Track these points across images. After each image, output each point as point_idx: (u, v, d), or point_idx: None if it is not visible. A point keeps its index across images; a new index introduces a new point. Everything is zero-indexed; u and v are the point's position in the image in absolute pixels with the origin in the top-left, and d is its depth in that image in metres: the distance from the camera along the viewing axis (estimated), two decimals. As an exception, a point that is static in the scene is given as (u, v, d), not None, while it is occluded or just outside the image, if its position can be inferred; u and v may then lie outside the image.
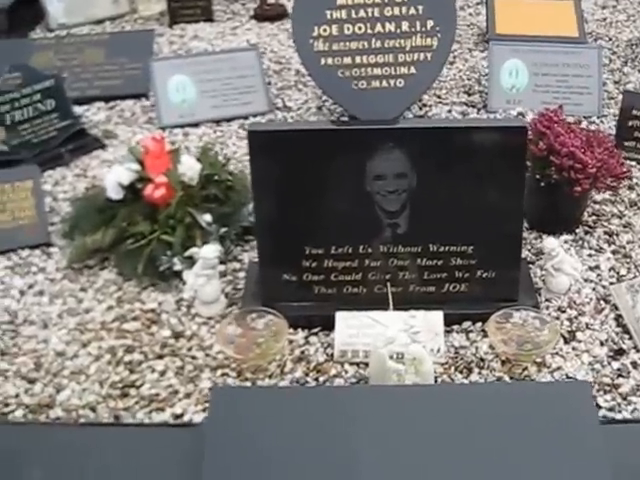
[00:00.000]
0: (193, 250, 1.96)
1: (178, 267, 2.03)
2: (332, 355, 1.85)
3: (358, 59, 2.60)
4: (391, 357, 1.66)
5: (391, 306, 1.81)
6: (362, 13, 2.57)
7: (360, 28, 2.57)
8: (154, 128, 2.75)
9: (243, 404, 1.56)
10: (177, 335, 1.94)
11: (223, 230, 2.11)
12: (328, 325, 1.88)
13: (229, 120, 2.78)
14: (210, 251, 1.91)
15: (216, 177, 2.21)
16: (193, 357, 1.88)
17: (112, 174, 2.16)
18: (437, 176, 1.81)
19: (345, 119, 2.73)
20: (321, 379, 1.80)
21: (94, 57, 3.05)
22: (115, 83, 2.96)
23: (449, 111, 2.82)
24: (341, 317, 1.85)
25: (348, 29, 2.61)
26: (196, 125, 2.75)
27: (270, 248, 1.90)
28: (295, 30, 2.63)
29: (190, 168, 2.17)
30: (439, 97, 2.91)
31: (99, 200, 2.21)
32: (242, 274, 2.09)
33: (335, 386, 1.76)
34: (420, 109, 2.82)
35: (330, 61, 2.61)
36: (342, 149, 1.79)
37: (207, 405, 1.73)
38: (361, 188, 1.80)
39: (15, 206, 2.24)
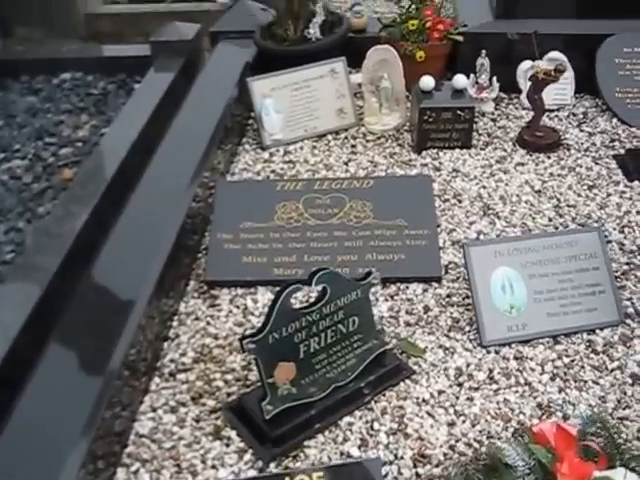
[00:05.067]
0: None
1: None
2: None
3: None
4: None
5: None
6: None
7: None
8: (470, 343, 1.98)
9: None
10: None
11: None
12: None
13: (568, 334, 2.00)
14: None
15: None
16: None
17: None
18: None
19: None
20: None
21: (357, 213, 2.29)
22: (395, 258, 2.19)
23: None
24: None
25: None
26: (527, 342, 1.99)
27: None
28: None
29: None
30: None
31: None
32: None
33: None
34: None
35: None
36: None
37: None
38: None
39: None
